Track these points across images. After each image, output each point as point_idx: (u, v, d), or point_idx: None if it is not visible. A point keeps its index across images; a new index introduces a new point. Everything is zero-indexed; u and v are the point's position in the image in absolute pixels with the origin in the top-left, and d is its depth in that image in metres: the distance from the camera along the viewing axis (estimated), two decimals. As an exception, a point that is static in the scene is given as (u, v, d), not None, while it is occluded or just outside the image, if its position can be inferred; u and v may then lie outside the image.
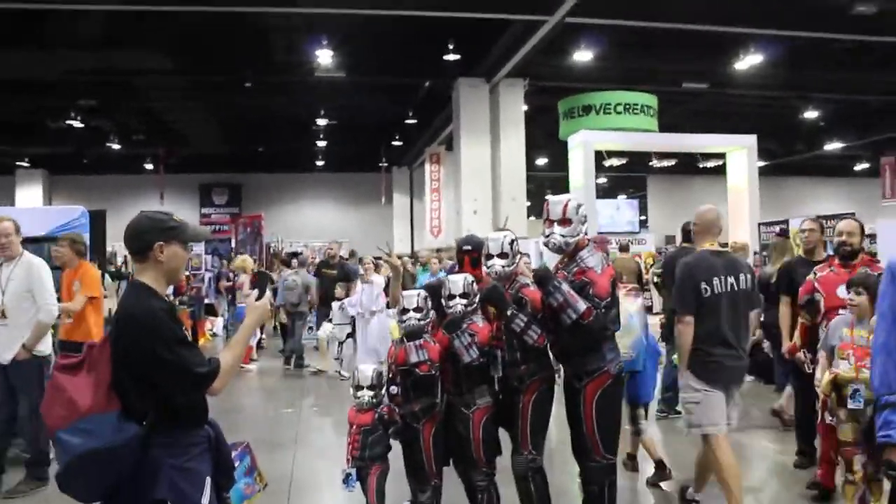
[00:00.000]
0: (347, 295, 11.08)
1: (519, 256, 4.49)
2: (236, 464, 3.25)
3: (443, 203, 23.27)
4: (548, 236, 4.32)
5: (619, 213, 16.24)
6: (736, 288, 4.70)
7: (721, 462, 4.61)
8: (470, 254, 4.64)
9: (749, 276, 4.82)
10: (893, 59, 16.73)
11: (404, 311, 4.57)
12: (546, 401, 4.45)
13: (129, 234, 2.88)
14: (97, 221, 9.30)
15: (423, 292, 4.66)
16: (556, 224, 4.32)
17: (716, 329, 4.65)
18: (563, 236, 4.28)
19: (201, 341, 14.80)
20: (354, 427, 4.66)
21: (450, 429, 4.59)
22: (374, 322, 10.23)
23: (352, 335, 10.77)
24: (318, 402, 9.71)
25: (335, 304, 11.13)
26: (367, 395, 4.66)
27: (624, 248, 13.27)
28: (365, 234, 29.69)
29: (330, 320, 11.25)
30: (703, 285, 4.66)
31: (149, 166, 28.78)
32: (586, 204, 4.45)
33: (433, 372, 4.41)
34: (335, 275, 12.05)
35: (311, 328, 12.93)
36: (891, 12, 13.26)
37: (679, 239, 8.76)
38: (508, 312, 4.24)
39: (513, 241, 4.44)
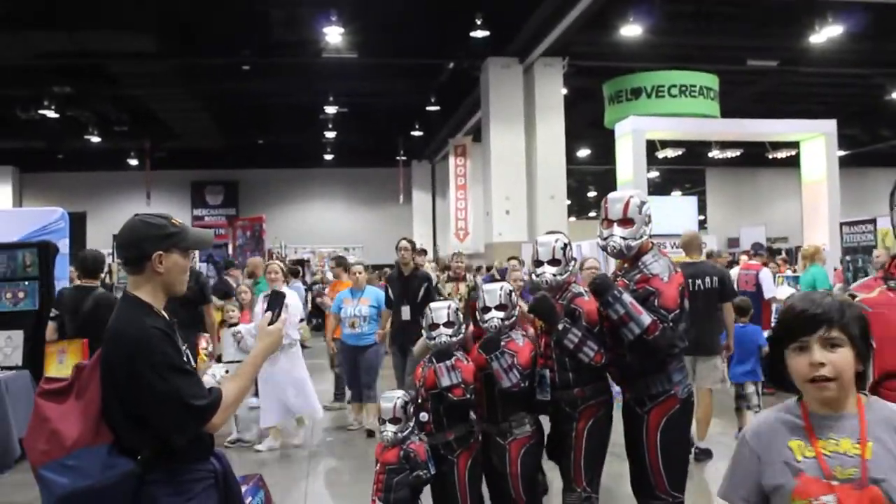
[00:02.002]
0: (235, 322, 8.91)
1: (573, 263, 4.44)
2: (248, 500, 3.21)
3: (470, 202, 23.26)
4: (606, 238, 4.27)
5: (676, 212, 16.10)
6: (701, 288, 7.04)
7: None
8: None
9: (716, 278, 7.20)
10: None
11: (434, 326, 4.55)
12: (603, 429, 4.39)
13: (123, 242, 2.83)
14: (77, 225, 9.36)
15: (452, 304, 4.67)
16: (615, 225, 4.26)
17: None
18: (623, 238, 4.22)
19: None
20: (380, 465, 4.63)
21: (485, 462, 4.55)
22: (281, 362, 8.08)
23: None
24: (333, 433, 9.64)
25: (227, 333, 8.77)
26: (390, 429, 4.61)
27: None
28: (379, 238, 29.73)
29: (218, 359, 8.92)
30: None
31: (133, 162, 29.01)
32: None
33: (468, 396, 4.38)
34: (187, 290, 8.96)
35: None
36: None
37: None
38: (560, 327, 4.19)
39: (565, 246, 4.40)
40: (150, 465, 2.65)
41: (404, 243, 8.82)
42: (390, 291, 8.84)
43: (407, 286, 8.67)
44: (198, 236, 2.98)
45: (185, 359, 2.76)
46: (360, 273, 9.22)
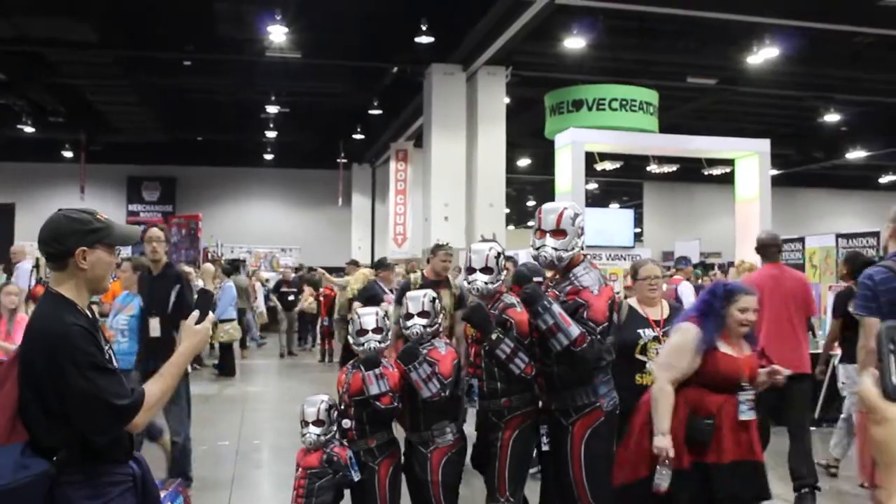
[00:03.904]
0: None
1: (505, 272, 4.47)
2: (166, 507, 3.17)
3: (409, 207, 23.22)
4: (538, 249, 4.29)
5: (613, 225, 16.31)
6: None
7: None
8: None
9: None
10: (924, 58, 17.01)
11: (362, 332, 4.54)
12: (529, 439, 4.42)
13: (45, 237, 2.77)
14: (5, 217, 9.12)
15: (380, 310, 4.66)
16: (548, 235, 4.28)
17: None
18: (555, 249, 4.24)
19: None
20: (300, 470, 4.59)
21: (407, 470, 4.59)
22: None
23: None
24: (261, 434, 9.58)
25: None
26: (313, 432, 4.58)
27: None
28: (318, 240, 29.62)
29: None
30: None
31: (68, 154, 28.33)
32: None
33: (396, 404, 4.38)
34: None
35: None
36: (925, 5, 13.47)
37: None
38: (493, 336, 4.20)
39: (499, 255, 4.43)
40: (66, 466, 2.60)
41: (155, 232, 6.62)
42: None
43: (154, 291, 6.60)
44: (124, 232, 2.94)
45: (107, 357, 2.71)
46: (125, 271, 7.34)
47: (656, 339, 4.88)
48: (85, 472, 2.65)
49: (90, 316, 2.78)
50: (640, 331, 4.91)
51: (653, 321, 4.98)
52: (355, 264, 16.20)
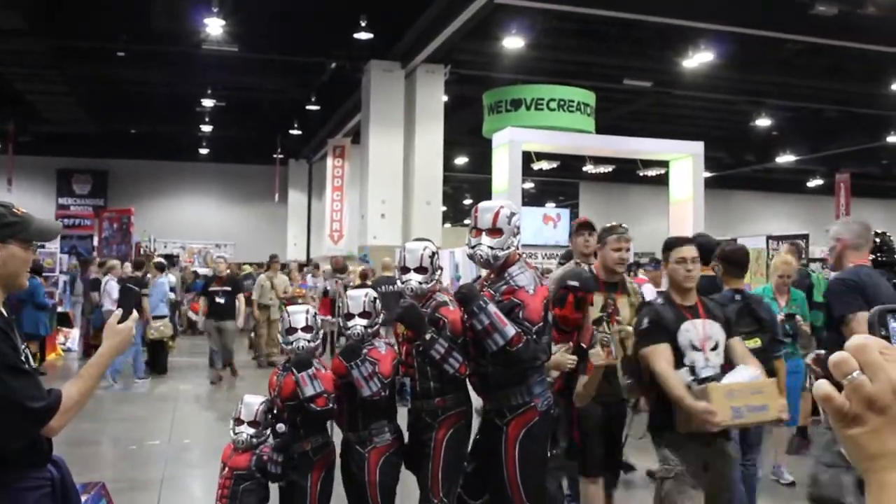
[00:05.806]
0: None
1: (439, 272, 4.43)
2: (87, 511, 3.05)
3: (346, 204, 23.13)
4: (474, 247, 4.24)
5: (549, 224, 16.42)
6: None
7: None
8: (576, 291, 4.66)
9: None
10: (850, 66, 17.44)
11: (291, 330, 4.46)
12: (463, 439, 4.38)
13: None
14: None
15: (311, 309, 4.59)
16: (484, 234, 4.24)
17: None
18: (491, 248, 4.20)
19: (51, 357, 14.26)
20: (227, 469, 4.48)
21: (344, 471, 4.51)
22: None
23: None
24: (192, 434, 9.40)
25: None
26: (247, 431, 4.48)
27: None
28: (253, 237, 29.31)
29: None
30: None
31: (-6, 145, 27.64)
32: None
33: (331, 405, 4.29)
34: None
35: None
36: (851, 14, 13.81)
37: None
38: (427, 336, 4.15)
39: (433, 254, 4.39)
40: (-23, 472, 2.48)
41: None
42: None
43: None
44: (41, 228, 2.81)
45: (23, 358, 2.59)
46: None
47: None
48: (-1, 478, 2.53)
49: (4, 314, 2.65)
50: None
51: None
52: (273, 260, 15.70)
